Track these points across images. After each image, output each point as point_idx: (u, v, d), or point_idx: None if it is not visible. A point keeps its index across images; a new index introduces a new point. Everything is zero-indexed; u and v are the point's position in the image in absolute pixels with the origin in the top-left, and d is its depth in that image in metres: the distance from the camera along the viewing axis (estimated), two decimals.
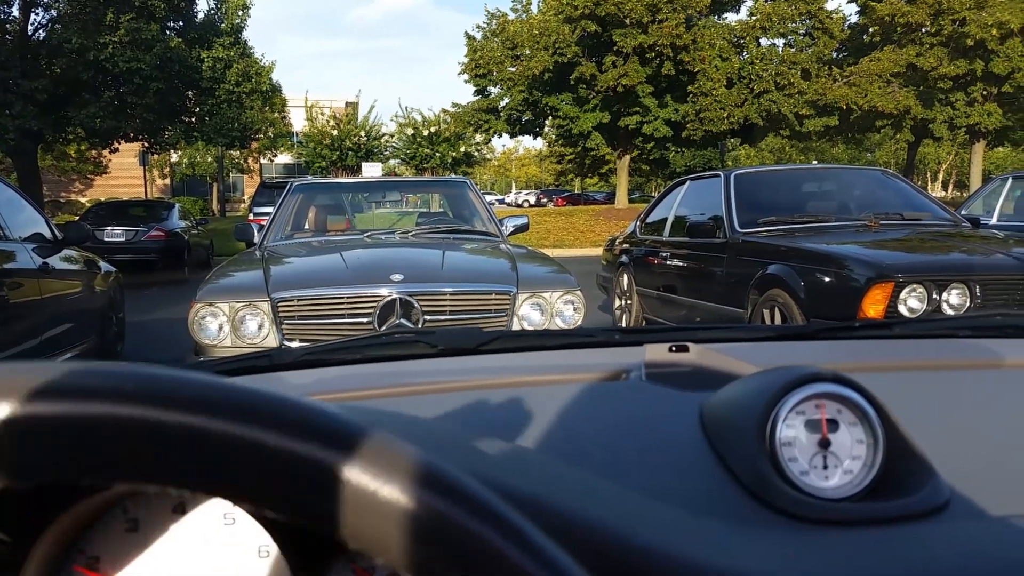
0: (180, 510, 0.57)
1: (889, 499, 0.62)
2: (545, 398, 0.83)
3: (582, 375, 0.89)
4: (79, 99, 18.75)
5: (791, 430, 0.65)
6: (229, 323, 3.38)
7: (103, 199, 24.50)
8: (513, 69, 27.08)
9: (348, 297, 3.45)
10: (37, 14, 18.97)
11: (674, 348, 0.90)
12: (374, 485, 0.32)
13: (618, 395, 0.84)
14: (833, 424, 0.66)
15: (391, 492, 0.32)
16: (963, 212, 7.32)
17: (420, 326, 3.42)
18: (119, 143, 21.72)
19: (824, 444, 0.65)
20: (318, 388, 0.87)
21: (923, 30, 25.87)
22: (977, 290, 3.72)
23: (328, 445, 0.33)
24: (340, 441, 0.33)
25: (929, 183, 57.91)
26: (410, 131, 32.08)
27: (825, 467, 0.65)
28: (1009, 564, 0.56)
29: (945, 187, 57.96)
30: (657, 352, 0.90)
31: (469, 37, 28.23)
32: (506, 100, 28.29)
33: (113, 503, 0.55)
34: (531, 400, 0.82)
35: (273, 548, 0.56)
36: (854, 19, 28.72)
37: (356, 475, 0.32)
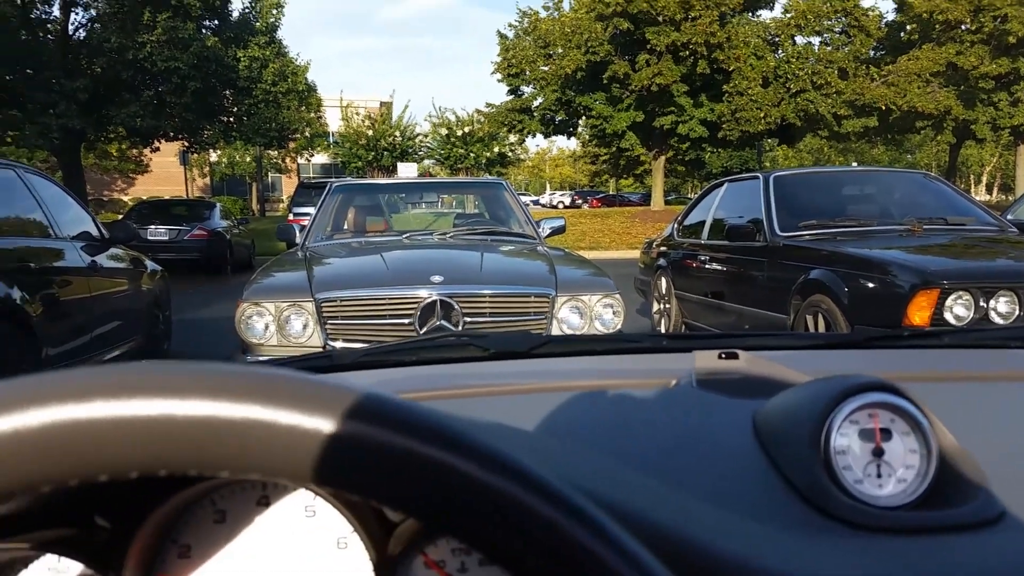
0: (264, 503, 0.60)
1: (942, 509, 0.63)
2: (598, 403, 0.84)
3: (633, 380, 0.91)
4: (119, 98, 19.09)
5: (845, 439, 0.66)
6: (275, 322, 3.43)
7: (145, 197, 24.96)
8: (546, 68, 27.05)
9: (390, 298, 3.49)
10: (77, 14, 19.38)
11: (724, 355, 0.91)
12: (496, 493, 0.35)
13: (670, 401, 0.85)
14: (886, 433, 0.67)
15: (508, 495, 0.35)
16: (1009, 216, 7.18)
17: (460, 327, 3.45)
18: (159, 142, 22.09)
19: (878, 453, 0.66)
20: (379, 389, 0.90)
21: (963, 27, 25.32)
22: None
23: (484, 466, 0.36)
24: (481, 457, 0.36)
25: (972, 186, 56.75)
26: (444, 131, 32.25)
27: (879, 476, 0.66)
28: None
29: (989, 190, 56.78)
30: (707, 359, 0.91)
31: (501, 36, 28.26)
32: (539, 100, 28.26)
33: (203, 495, 0.59)
34: (585, 404, 0.84)
35: (353, 539, 0.59)
36: (891, 16, 28.26)
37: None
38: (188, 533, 0.59)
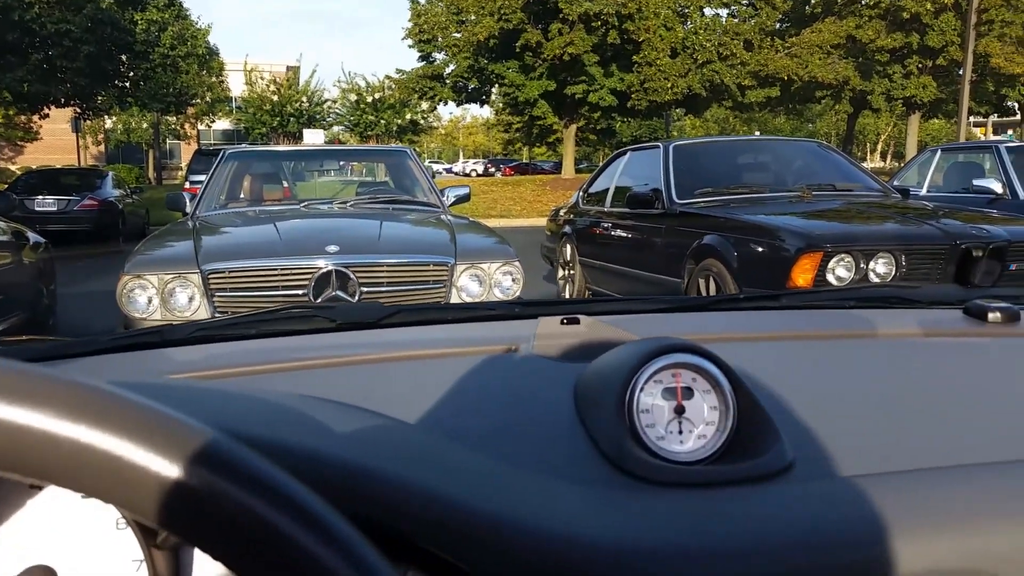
0: (37, 486, 0.57)
1: (738, 461, 0.65)
2: (434, 372, 0.84)
3: (476, 348, 0.90)
4: (4, 62, 17.95)
5: (649, 398, 0.68)
6: (159, 295, 3.30)
7: (35, 167, 23.63)
8: (458, 35, 26.70)
9: (282, 268, 3.40)
10: None
11: (566, 320, 0.92)
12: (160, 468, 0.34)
13: (506, 368, 0.86)
14: (688, 392, 0.69)
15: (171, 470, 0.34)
16: (896, 182, 7.52)
17: (357, 298, 3.39)
18: (49, 108, 20.93)
19: (679, 411, 0.68)
20: (208, 364, 0.86)
21: (862, 2, 26.28)
22: (903, 259, 3.83)
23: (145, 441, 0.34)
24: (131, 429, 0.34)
25: (868, 153, 59.27)
26: (354, 97, 31.57)
27: (680, 432, 0.68)
28: (850, 520, 0.60)
29: (884, 157, 59.38)
30: (549, 325, 0.92)
31: (413, 1, 27.73)
32: (452, 67, 27.93)
33: None
34: (420, 374, 0.84)
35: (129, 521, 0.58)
36: None
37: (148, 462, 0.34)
38: None
